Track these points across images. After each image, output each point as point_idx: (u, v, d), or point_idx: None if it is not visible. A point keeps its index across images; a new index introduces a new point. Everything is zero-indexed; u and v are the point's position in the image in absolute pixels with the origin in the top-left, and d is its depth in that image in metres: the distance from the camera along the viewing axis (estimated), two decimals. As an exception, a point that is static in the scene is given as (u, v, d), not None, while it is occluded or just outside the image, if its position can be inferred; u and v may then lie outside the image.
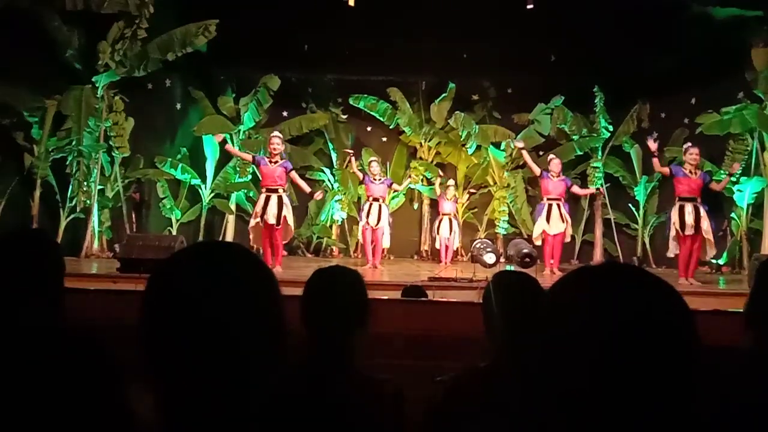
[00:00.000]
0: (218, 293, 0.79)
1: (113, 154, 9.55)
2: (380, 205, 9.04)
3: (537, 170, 8.75)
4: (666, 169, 7.76)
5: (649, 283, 0.80)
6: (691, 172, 7.41)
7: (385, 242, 9.31)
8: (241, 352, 0.79)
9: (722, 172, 9.63)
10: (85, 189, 8.93)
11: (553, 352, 0.78)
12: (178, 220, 10.96)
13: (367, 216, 8.96)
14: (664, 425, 0.74)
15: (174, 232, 10.59)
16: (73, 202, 8.94)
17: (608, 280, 0.80)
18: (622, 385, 0.73)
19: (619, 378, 0.73)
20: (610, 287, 0.78)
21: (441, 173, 11.16)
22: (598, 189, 10.58)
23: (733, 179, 9.56)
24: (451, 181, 10.97)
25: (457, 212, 11.62)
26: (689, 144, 7.56)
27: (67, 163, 8.90)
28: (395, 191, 9.49)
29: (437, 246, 10.79)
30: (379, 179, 9.16)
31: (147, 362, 0.80)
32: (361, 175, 9.43)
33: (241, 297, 0.81)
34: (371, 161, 9.47)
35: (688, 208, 7.31)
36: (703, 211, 7.33)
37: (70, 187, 8.94)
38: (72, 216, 8.98)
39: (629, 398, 0.73)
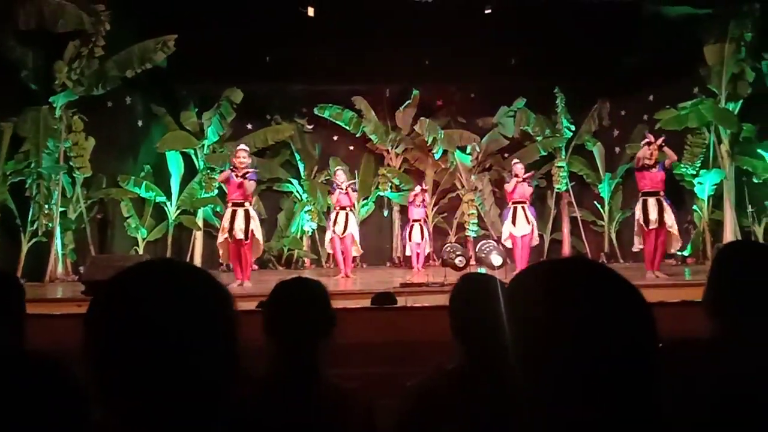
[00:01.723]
0: (164, 311, 0.77)
1: (74, 174, 9.34)
2: (347, 214, 8.99)
3: (510, 187, 8.79)
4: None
5: (605, 276, 0.80)
6: (652, 166, 7.51)
7: (356, 250, 9.27)
8: (192, 371, 0.77)
9: (682, 166, 9.87)
10: (46, 212, 8.71)
11: (514, 348, 0.78)
12: (144, 239, 10.77)
13: (334, 225, 8.92)
14: (627, 416, 0.74)
15: (141, 251, 10.41)
16: (35, 226, 8.70)
17: (564, 275, 0.81)
18: (583, 379, 0.74)
19: (580, 372, 0.74)
20: (565, 282, 0.79)
21: (425, 187, 11.32)
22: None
23: (693, 171, 9.81)
24: (417, 188, 11.00)
25: (428, 217, 11.66)
26: (647, 140, 7.68)
27: (27, 186, 8.67)
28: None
29: (408, 253, 10.83)
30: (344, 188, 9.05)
31: (96, 385, 0.78)
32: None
33: (189, 314, 0.79)
34: (336, 170, 9.43)
35: (651, 201, 7.43)
36: (666, 205, 7.46)
37: (31, 210, 8.71)
38: (34, 240, 8.75)
39: (590, 391, 0.73)
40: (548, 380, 0.75)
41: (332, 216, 9.05)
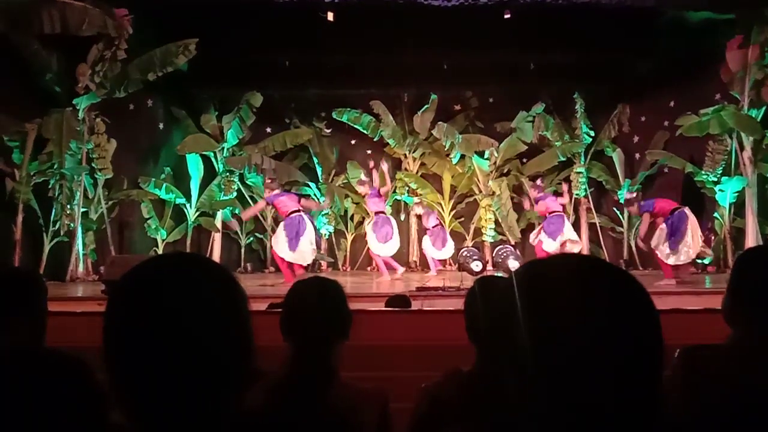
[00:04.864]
0: (179, 305, 0.78)
1: (96, 176, 9.47)
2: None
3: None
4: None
5: (608, 272, 0.79)
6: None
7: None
8: (207, 366, 0.78)
9: (703, 173, 9.77)
10: (68, 212, 8.83)
11: (520, 348, 0.78)
12: (163, 240, 10.89)
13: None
14: (632, 417, 0.73)
15: (160, 252, 10.52)
16: (57, 226, 8.83)
17: (570, 274, 0.80)
18: (588, 379, 0.73)
19: (585, 371, 0.73)
20: (573, 282, 0.78)
21: (419, 200, 11.50)
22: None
23: (714, 178, 9.71)
24: (416, 199, 11.15)
25: (443, 223, 11.64)
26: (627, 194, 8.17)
27: (50, 186, 8.80)
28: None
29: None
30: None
31: (114, 381, 0.79)
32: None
33: (204, 308, 0.79)
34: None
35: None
36: (659, 231, 7.72)
37: (53, 210, 8.84)
38: (56, 240, 8.88)
39: (595, 391, 0.72)
40: (551, 380, 0.74)
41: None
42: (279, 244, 8.06)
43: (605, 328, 0.73)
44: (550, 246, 9.00)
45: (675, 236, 7.62)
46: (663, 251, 7.67)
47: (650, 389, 0.73)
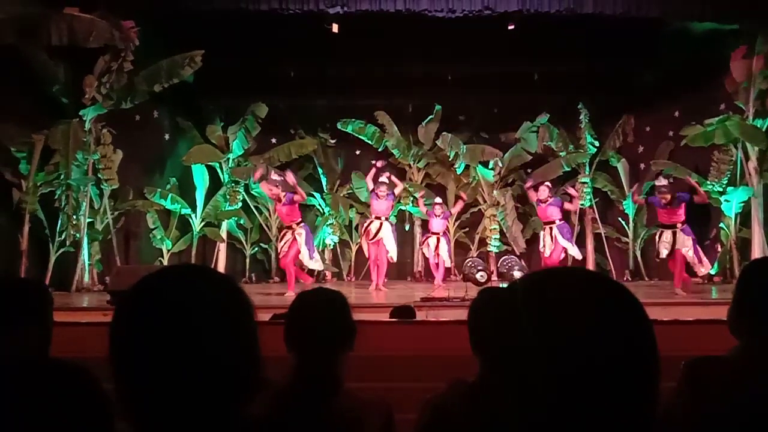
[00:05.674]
0: (186, 316, 0.79)
1: (102, 186, 9.52)
2: (381, 222, 9.11)
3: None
4: (641, 200, 8.09)
5: (603, 284, 0.79)
6: (669, 203, 7.71)
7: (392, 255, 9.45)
8: (213, 377, 0.78)
9: (708, 183, 9.73)
10: (74, 222, 8.87)
11: (518, 362, 0.78)
12: (169, 251, 10.91)
13: (365, 232, 9.19)
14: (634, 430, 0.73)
15: (165, 263, 10.54)
16: (63, 236, 8.87)
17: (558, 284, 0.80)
18: (593, 391, 0.73)
19: (589, 384, 0.73)
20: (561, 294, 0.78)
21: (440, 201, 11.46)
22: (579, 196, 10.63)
23: (719, 188, 9.67)
24: (438, 199, 10.91)
25: (448, 230, 11.59)
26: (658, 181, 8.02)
27: (56, 197, 8.85)
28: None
29: (418, 268, 10.80)
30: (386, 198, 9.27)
31: (120, 391, 0.79)
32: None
33: (211, 319, 0.80)
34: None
35: (666, 235, 7.72)
36: (682, 236, 7.57)
37: (59, 221, 8.87)
38: (62, 250, 8.91)
39: (594, 407, 0.73)
40: (553, 391, 0.75)
41: (365, 224, 9.35)
42: (303, 254, 8.19)
43: (607, 340, 0.74)
44: (576, 252, 9.02)
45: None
46: (694, 260, 7.68)
47: (649, 400, 0.73)
